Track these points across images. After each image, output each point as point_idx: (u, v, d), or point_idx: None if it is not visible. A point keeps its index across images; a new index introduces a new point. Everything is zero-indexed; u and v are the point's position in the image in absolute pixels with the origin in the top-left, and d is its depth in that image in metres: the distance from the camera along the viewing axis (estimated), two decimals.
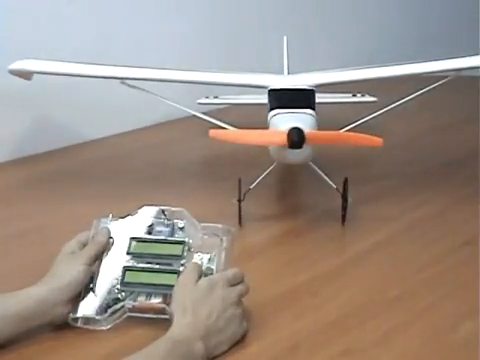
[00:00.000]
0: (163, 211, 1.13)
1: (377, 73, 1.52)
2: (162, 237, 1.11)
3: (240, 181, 1.38)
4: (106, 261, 1.09)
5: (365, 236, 1.36)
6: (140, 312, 1.05)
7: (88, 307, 1.05)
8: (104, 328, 1.05)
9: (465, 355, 1.00)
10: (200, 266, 1.06)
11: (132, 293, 1.06)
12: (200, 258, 1.08)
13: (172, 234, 1.11)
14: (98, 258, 1.09)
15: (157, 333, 0.97)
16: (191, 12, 2.15)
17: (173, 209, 1.13)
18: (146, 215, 1.13)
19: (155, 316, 1.04)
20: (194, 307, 0.98)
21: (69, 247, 1.09)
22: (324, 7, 2.53)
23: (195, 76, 1.54)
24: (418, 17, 2.85)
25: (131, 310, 1.05)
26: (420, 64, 1.51)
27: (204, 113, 1.60)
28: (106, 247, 1.10)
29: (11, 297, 1.03)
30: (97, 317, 1.05)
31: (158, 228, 1.12)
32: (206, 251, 1.08)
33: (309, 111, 1.37)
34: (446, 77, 1.50)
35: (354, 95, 1.95)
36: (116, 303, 1.06)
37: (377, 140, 1.28)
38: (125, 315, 1.05)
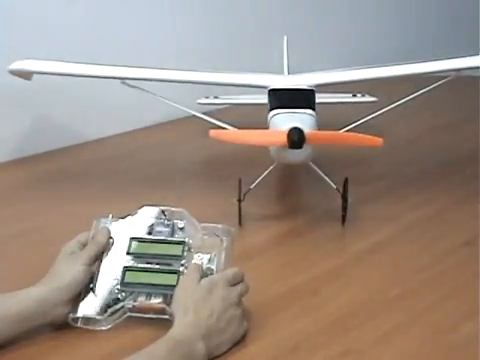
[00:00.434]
0: (163, 211, 1.13)
1: (377, 73, 1.52)
2: (162, 237, 1.11)
3: (240, 181, 1.38)
4: (106, 261, 1.09)
5: (365, 236, 1.36)
6: (140, 312, 1.05)
7: (88, 307, 1.05)
8: (104, 328, 1.05)
9: (465, 355, 1.00)
10: (201, 266, 1.06)
11: (132, 293, 1.06)
12: (200, 258, 1.07)
13: (172, 234, 1.11)
14: (98, 258, 1.09)
15: (157, 333, 0.97)
16: (191, 12, 2.15)
17: (173, 209, 1.13)
18: (146, 215, 1.13)
19: (155, 316, 1.04)
20: (195, 307, 0.98)
21: (69, 247, 1.09)
22: (324, 7, 2.53)
23: (195, 76, 1.54)
24: (418, 17, 2.85)
25: (131, 310, 1.05)
26: (420, 64, 1.51)
27: (204, 113, 1.60)
28: (106, 247, 1.10)
29: (11, 297, 1.03)
30: (97, 317, 1.05)
31: (158, 228, 1.12)
32: (206, 251, 1.08)
33: (309, 111, 1.37)
34: (446, 77, 1.50)
35: (354, 95, 1.95)
36: (116, 303, 1.06)
37: (377, 140, 1.28)
38: (125, 315, 1.05)
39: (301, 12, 2.43)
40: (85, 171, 1.75)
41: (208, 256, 1.08)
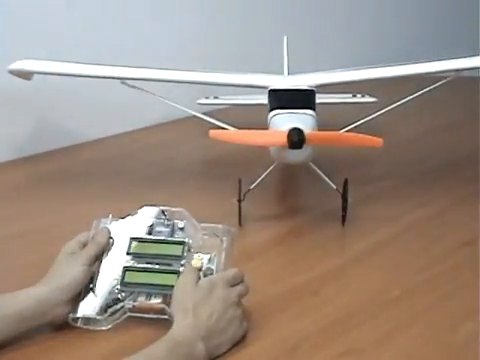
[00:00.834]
0: (163, 211, 1.13)
1: (377, 73, 1.52)
2: (162, 237, 1.11)
3: (240, 181, 1.38)
4: (106, 261, 1.09)
5: (365, 236, 1.36)
6: (140, 312, 1.05)
7: (88, 307, 1.05)
8: (104, 328, 1.04)
9: (465, 355, 1.00)
10: (197, 268, 1.05)
11: (132, 293, 1.06)
12: (200, 258, 1.07)
13: (172, 234, 1.11)
14: (98, 258, 1.09)
15: (157, 333, 0.97)
16: (191, 12, 2.15)
17: (173, 209, 1.13)
18: (146, 215, 1.13)
19: (155, 316, 1.04)
20: (195, 308, 0.98)
21: (69, 247, 1.09)
22: (324, 7, 2.53)
23: (195, 76, 1.54)
24: (418, 17, 2.85)
25: (131, 310, 1.05)
26: (420, 64, 1.51)
27: (204, 113, 1.60)
28: (106, 247, 1.10)
29: (11, 297, 1.03)
30: (97, 317, 1.05)
31: (158, 228, 1.12)
32: (206, 251, 1.08)
33: (309, 111, 1.37)
34: (446, 78, 1.50)
35: (354, 95, 1.95)
36: (116, 303, 1.06)
37: (377, 140, 1.28)
38: (125, 315, 1.05)
39: (301, 12, 2.44)
40: (85, 171, 1.75)
41: (208, 256, 1.08)
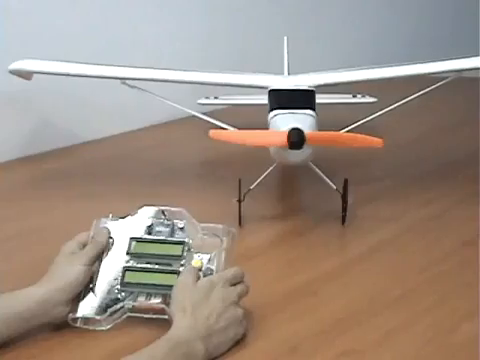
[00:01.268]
0: (163, 211, 1.13)
1: (377, 74, 1.52)
2: (162, 237, 1.10)
3: (240, 181, 1.38)
4: (106, 261, 1.09)
5: (365, 236, 1.36)
6: (140, 312, 1.05)
7: (88, 307, 1.05)
8: (104, 328, 1.04)
9: (466, 356, 1.00)
10: (196, 268, 1.05)
11: (132, 293, 1.06)
12: (200, 258, 1.07)
13: (172, 234, 1.11)
14: (98, 258, 1.09)
15: (157, 333, 0.97)
16: (191, 13, 2.16)
17: (173, 209, 1.13)
18: (146, 215, 1.13)
19: (155, 316, 1.04)
20: (194, 308, 0.98)
21: (69, 247, 1.09)
22: (324, 8, 2.54)
23: (195, 76, 1.54)
24: (418, 18, 2.85)
25: (131, 310, 1.05)
26: (420, 65, 1.51)
27: (204, 113, 1.60)
28: (106, 247, 1.10)
29: (10, 297, 1.03)
30: (97, 317, 1.04)
31: (158, 228, 1.12)
32: (206, 251, 1.08)
33: (309, 112, 1.37)
34: (446, 78, 1.50)
35: (354, 96, 1.95)
36: (116, 303, 1.05)
37: (377, 141, 1.28)
38: (125, 315, 1.05)
39: (301, 13, 2.44)
40: (85, 171, 1.75)
41: (208, 256, 1.08)
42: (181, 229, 1.11)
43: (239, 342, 1.01)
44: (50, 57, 1.55)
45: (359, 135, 1.30)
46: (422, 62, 1.51)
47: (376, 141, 1.28)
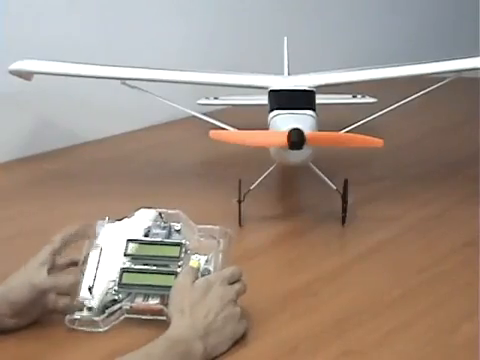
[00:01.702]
0: (160, 213, 1.13)
1: (377, 74, 1.52)
2: (159, 239, 1.10)
3: (240, 182, 1.38)
4: (103, 263, 1.08)
5: (365, 237, 1.36)
6: (138, 313, 1.05)
7: (85, 309, 1.04)
8: (101, 330, 1.04)
9: (466, 356, 1.00)
10: (195, 269, 1.05)
11: (129, 294, 1.06)
12: (197, 259, 1.07)
13: (169, 236, 1.11)
14: (60, 267, 1.07)
15: (155, 334, 0.97)
16: (191, 13, 2.16)
17: (170, 211, 1.12)
18: (143, 218, 1.13)
19: (153, 317, 1.04)
20: (192, 308, 0.98)
21: (40, 257, 1.06)
22: (324, 8, 2.54)
23: (195, 77, 1.55)
24: (418, 18, 2.85)
25: (129, 311, 1.05)
26: (420, 65, 1.51)
27: (204, 114, 1.60)
28: (69, 244, 1.08)
29: None
30: (94, 319, 1.04)
31: (155, 230, 1.11)
32: (203, 253, 1.08)
33: (309, 112, 1.37)
34: (446, 78, 1.50)
35: (354, 96, 1.95)
36: (113, 304, 1.05)
37: (377, 141, 1.28)
38: (123, 317, 1.05)
39: (301, 13, 2.44)
40: (85, 171, 1.75)
41: (205, 257, 1.07)
42: (178, 231, 1.11)
43: (239, 342, 1.01)
44: (50, 57, 1.55)
45: (359, 135, 1.30)
46: (422, 62, 1.51)
47: (376, 141, 1.28)
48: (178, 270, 1.06)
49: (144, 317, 1.05)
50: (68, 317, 1.04)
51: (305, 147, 1.27)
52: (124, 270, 1.07)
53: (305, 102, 1.40)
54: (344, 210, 1.40)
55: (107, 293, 1.06)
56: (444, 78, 1.50)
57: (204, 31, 2.19)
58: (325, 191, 1.42)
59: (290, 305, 1.13)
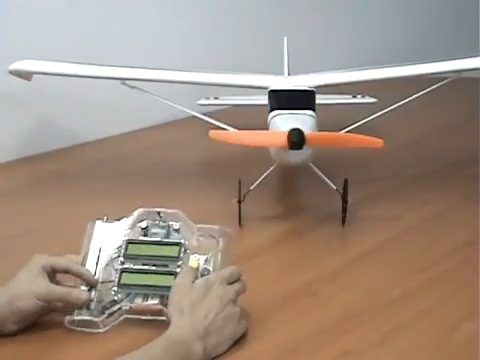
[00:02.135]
0: (159, 213, 1.12)
1: (377, 74, 1.52)
2: (158, 239, 1.10)
3: (240, 182, 1.38)
4: (102, 264, 1.08)
5: (365, 237, 1.36)
6: (137, 314, 1.05)
7: (85, 309, 1.04)
8: (101, 330, 1.03)
9: (466, 356, 1.00)
10: (195, 269, 1.05)
11: (129, 295, 1.06)
12: (197, 259, 1.07)
13: (167, 236, 1.10)
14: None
15: (154, 335, 0.97)
16: (192, 13, 2.15)
17: (168, 211, 1.12)
18: (141, 217, 1.12)
19: (152, 317, 1.04)
20: (191, 308, 0.98)
21: (42, 259, 1.06)
22: (325, 8, 2.53)
23: (195, 77, 1.55)
24: (418, 18, 2.85)
25: (128, 312, 1.05)
26: (420, 65, 1.51)
27: (204, 114, 1.60)
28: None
29: None
30: (94, 319, 1.04)
31: (153, 230, 1.11)
32: (202, 252, 1.08)
33: (309, 112, 1.37)
34: (446, 78, 1.50)
35: (354, 96, 1.95)
36: (113, 305, 1.05)
37: (377, 141, 1.28)
38: (122, 317, 1.04)
39: (301, 13, 2.44)
40: (85, 171, 1.75)
41: (204, 257, 1.07)
42: (176, 231, 1.11)
43: (239, 342, 1.01)
44: (50, 57, 1.55)
45: (359, 135, 1.30)
46: (422, 62, 1.51)
47: (376, 141, 1.28)
48: (177, 270, 1.06)
49: (144, 317, 1.04)
50: (68, 318, 1.03)
51: (305, 147, 1.27)
52: (123, 270, 1.07)
53: (305, 102, 1.40)
54: (344, 210, 1.40)
55: (106, 294, 1.05)
56: (444, 78, 1.50)
57: (204, 31, 2.19)
58: (325, 191, 1.42)
59: (290, 305, 1.13)
